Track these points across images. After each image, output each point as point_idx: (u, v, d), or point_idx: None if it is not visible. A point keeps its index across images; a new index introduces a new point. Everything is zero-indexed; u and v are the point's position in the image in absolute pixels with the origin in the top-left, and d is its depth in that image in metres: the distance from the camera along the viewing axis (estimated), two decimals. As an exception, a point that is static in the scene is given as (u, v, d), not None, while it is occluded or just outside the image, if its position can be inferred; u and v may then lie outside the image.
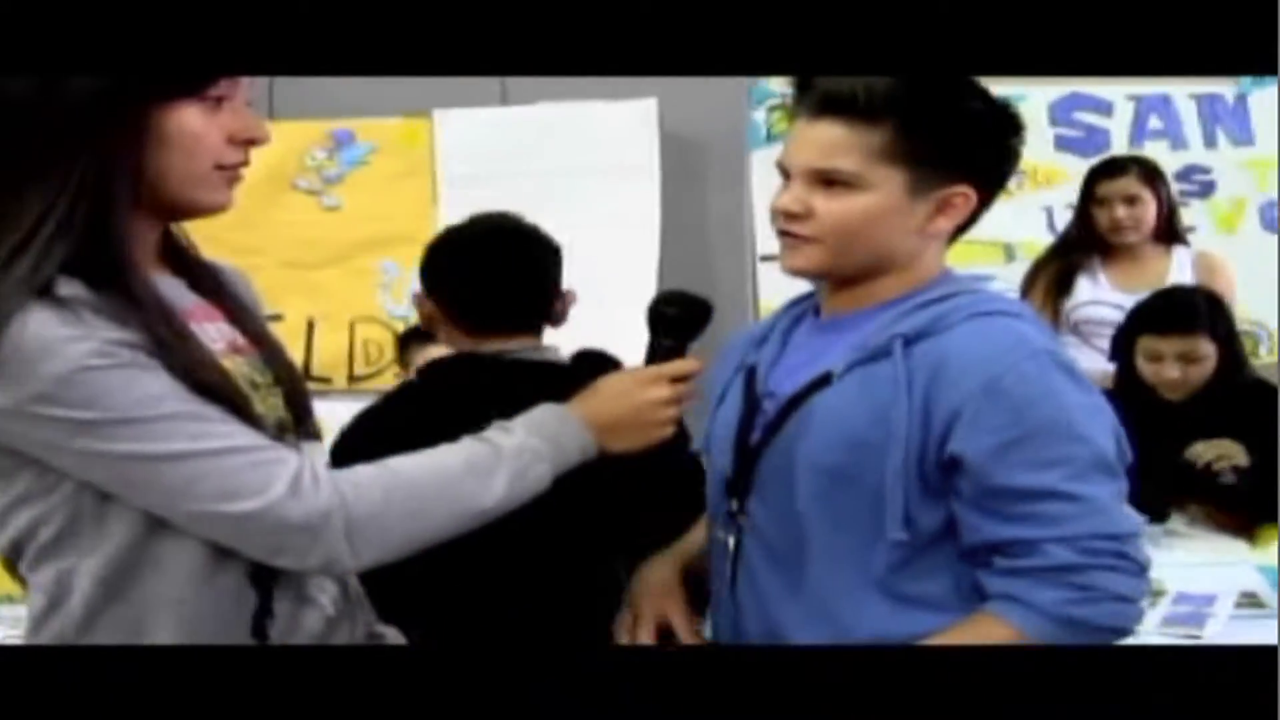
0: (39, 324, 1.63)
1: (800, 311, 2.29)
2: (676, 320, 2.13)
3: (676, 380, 2.04)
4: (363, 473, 1.82)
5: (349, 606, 2.00)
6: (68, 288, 1.67)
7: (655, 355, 2.10)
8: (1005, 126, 2.13)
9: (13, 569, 1.83)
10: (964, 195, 2.10)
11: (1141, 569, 2.02)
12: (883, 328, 2.09)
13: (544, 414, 1.96)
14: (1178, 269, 4.96)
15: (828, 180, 2.09)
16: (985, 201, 2.14)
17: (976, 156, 2.11)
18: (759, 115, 5.79)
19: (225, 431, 1.73)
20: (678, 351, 2.10)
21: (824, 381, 2.11)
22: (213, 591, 1.79)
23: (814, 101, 2.11)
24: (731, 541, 2.21)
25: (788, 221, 2.13)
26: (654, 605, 2.34)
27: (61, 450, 1.68)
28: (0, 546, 1.81)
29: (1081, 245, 5.05)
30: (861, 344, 2.10)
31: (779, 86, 5.72)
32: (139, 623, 1.77)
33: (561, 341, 5.69)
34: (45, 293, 1.66)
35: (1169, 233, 5.04)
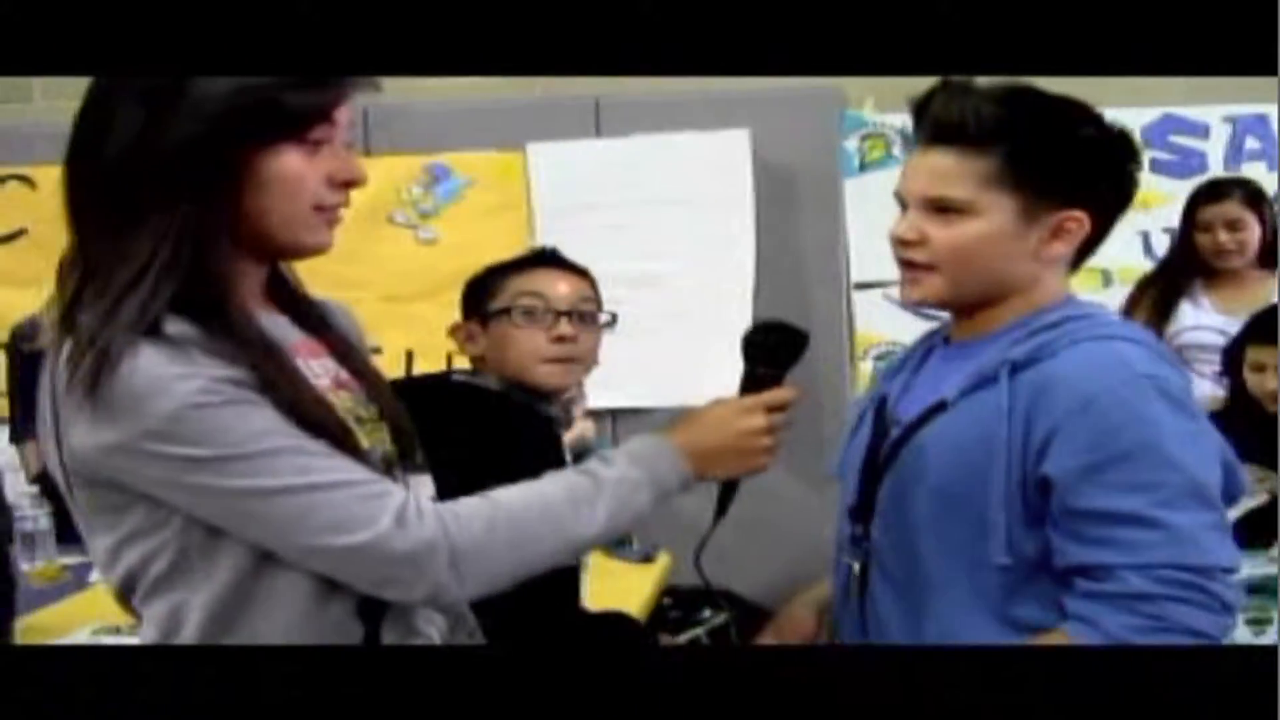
0: (149, 362, 1.66)
1: (933, 343, 2.33)
2: (772, 349, 2.13)
3: (773, 409, 2.04)
4: (466, 504, 1.83)
5: (456, 639, 2.01)
6: (175, 326, 1.71)
7: (751, 384, 2.10)
8: (1117, 152, 2.16)
9: (125, 602, 1.86)
10: (1077, 220, 2.13)
11: (1225, 606, 2.00)
12: (997, 354, 2.12)
13: (642, 444, 1.97)
14: None
15: (940, 207, 2.12)
16: (1103, 226, 2.16)
17: (1086, 182, 2.13)
18: (850, 144, 5.79)
19: (332, 465, 1.75)
20: (774, 380, 2.10)
21: (940, 408, 2.14)
22: (321, 624, 1.81)
23: (926, 131, 2.15)
24: (857, 566, 2.24)
25: (904, 249, 2.17)
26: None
27: (172, 486, 1.71)
28: (113, 581, 1.84)
29: (1183, 269, 5.00)
30: (975, 371, 2.13)
31: (869, 114, 5.72)
32: None
33: (655, 372, 5.72)
34: (154, 331, 1.69)
35: (1273, 256, 4.96)
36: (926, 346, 2.34)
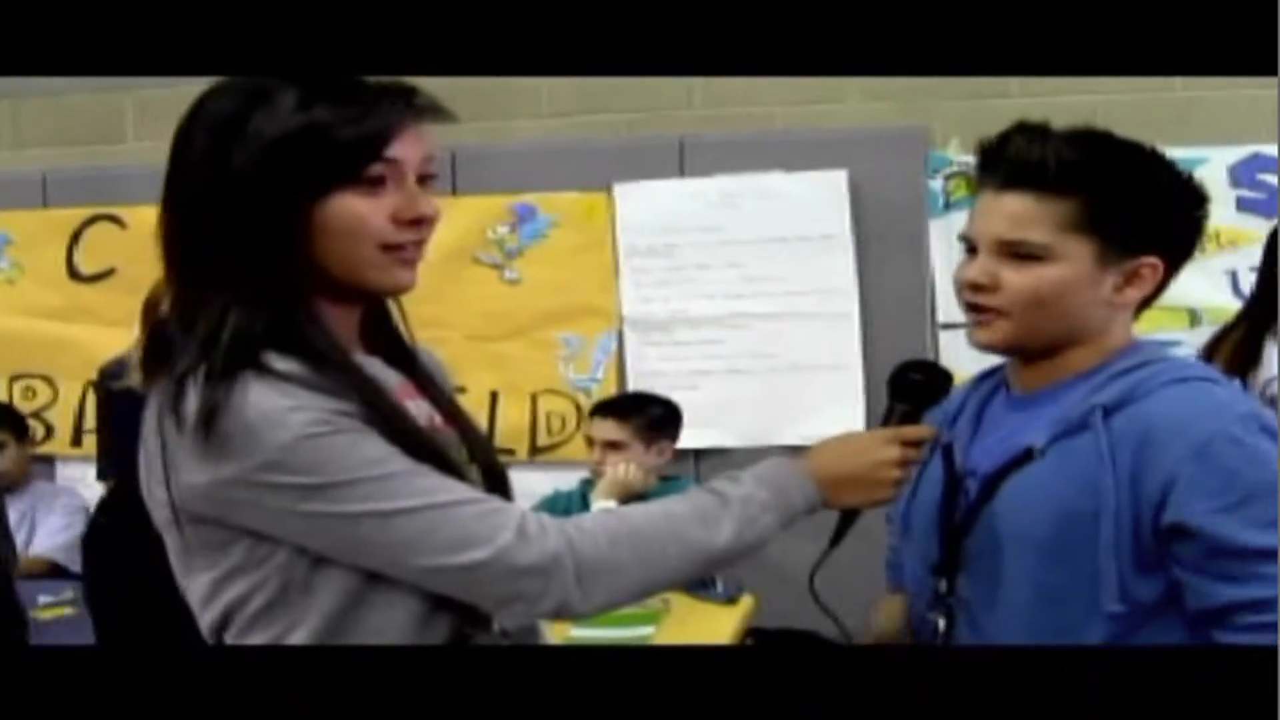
0: (259, 397, 1.69)
1: (991, 387, 2.31)
2: (919, 387, 2.16)
3: (909, 444, 2.06)
4: (588, 518, 1.85)
5: None
6: (282, 363, 1.73)
7: (891, 418, 2.13)
8: (1191, 198, 2.14)
9: (218, 639, 1.86)
10: (1152, 266, 2.11)
11: None
12: (1080, 399, 2.09)
13: (772, 466, 1.98)
14: None
15: (1016, 252, 2.09)
16: (1172, 271, 2.14)
17: (1162, 228, 2.12)
18: (935, 184, 5.77)
19: (447, 486, 1.77)
20: (913, 417, 2.12)
21: (1026, 457, 2.11)
22: None
23: (1001, 173, 2.12)
24: (942, 623, 2.21)
25: (974, 293, 2.14)
26: None
27: (288, 516, 1.73)
28: (208, 618, 1.85)
29: (1267, 312, 4.89)
30: (1061, 417, 2.10)
31: (954, 154, 5.70)
32: None
33: (741, 412, 5.71)
34: (259, 367, 1.71)
35: None
36: (984, 392, 2.32)
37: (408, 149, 1.81)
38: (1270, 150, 5.57)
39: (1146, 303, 2.18)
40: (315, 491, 1.70)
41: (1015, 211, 2.10)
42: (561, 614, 1.82)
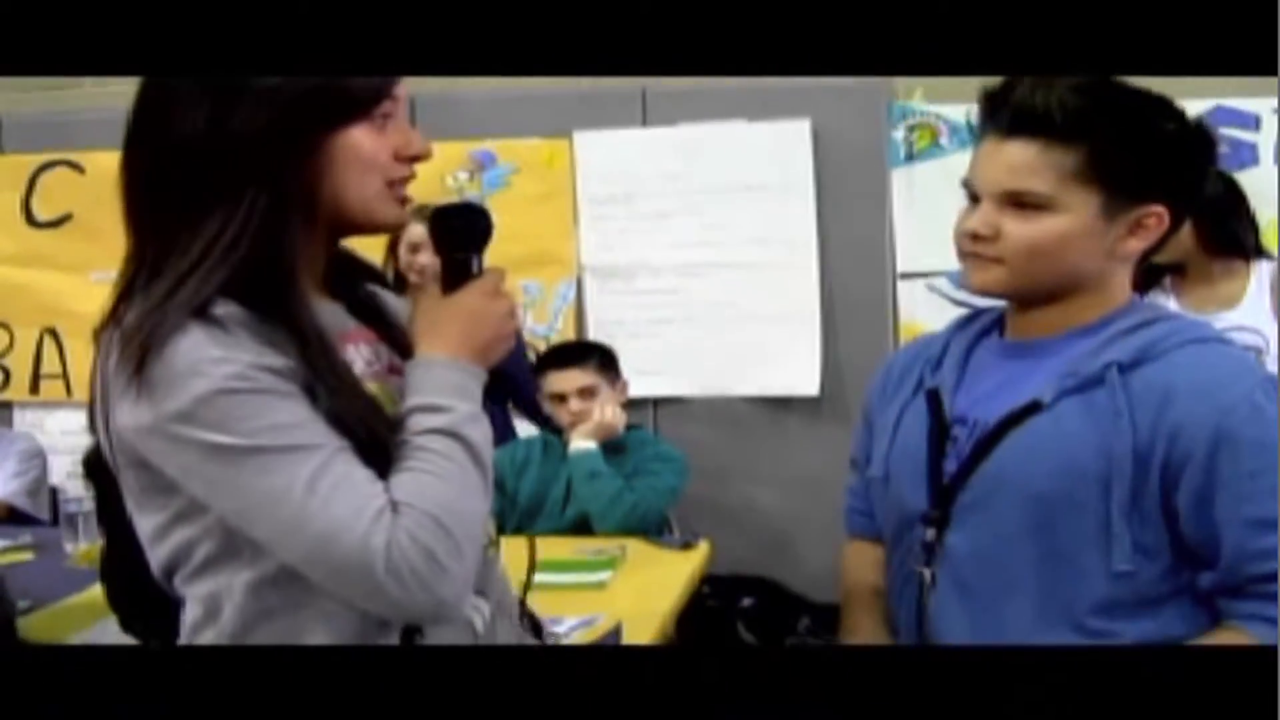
0: (191, 343, 1.66)
1: (977, 331, 2.28)
2: (465, 231, 1.98)
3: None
4: (426, 513, 1.73)
5: (499, 625, 2.00)
6: (223, 308, 1.70)
7: (455, 269, 1.95)
8: (1200, 146, 2.12)
9: (168, 582, 1.85)
10: (1157, 216, 2.09)
11: None
12: (1091, 354, 2.08)
13: (426, 380, 1.84)
14: (1257, 287, 4.73)
15: (1018, 202, 2.07)
16: (1178, 221, 2.12)
17: (1169, 177, 2.09)
18: (897, 134, 5.77)
19: (343, 473, 1.70)
20: (473, 263, 1.96)
21: (1032, 409, 2.09)
22: (362, 610, 1.77)
23: (1005, 121, 2.09)
24: (928, 574, 2.19)
25: (974, 243, 2.11)
26: None
27: (192, 474, 1.70)
28: (158, 560, 1.83)
29: (1159, 265, 4.63)
30: (1069, 370, 2.08)
31: (918, 104, 5.70)
32: (292, 635, 1.78)
33: (697, 361, 5.70)
34: (202, 313, 1.68)
35: (1240, 247, 4.76)
36: (970, 336, 2.28)
37: (402, 89, 1.84)
38: (1233, 103, 5.58)
39: (1149, 253, 2.17)
40: (216, 452, 1.66)
41: (1018, 161, 2.07)
42: (423, 616, 1.77)
